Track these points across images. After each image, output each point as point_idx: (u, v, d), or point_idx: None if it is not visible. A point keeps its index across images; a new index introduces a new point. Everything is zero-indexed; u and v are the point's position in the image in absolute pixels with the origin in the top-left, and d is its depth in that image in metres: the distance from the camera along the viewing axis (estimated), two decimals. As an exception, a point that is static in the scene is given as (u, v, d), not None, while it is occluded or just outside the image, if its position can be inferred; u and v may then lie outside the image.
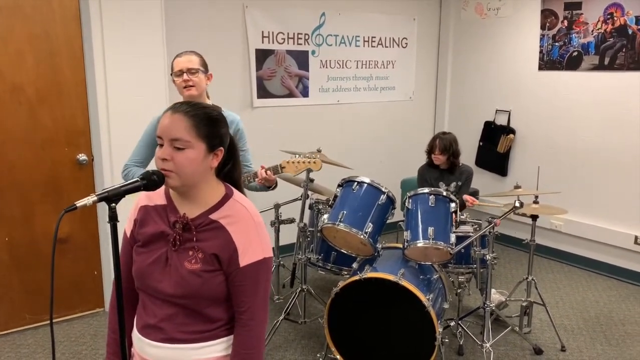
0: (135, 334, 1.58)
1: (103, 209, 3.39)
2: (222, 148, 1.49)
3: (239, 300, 1.48)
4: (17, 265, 3.54)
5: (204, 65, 2.62)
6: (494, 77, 5.32)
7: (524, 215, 4.25)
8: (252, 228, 1.48)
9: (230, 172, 1.58)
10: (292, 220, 3.87)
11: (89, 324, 3.68)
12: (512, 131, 5.17)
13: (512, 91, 5.18)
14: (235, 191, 1.55)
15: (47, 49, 3.46)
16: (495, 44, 5.28)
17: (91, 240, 3.76)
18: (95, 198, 1.37)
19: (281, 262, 4.06)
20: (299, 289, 3.67)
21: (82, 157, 3.65)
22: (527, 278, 3.58)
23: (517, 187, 3.43)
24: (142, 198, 1.59)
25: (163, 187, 1.49)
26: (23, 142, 3.44)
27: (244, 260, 1.45)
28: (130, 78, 3.69)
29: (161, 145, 1.43)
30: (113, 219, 1.38)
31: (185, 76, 2.54)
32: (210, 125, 1.46)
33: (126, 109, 3.70)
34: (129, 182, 1.43)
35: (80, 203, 1.35)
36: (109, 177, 3.69)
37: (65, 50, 3.52)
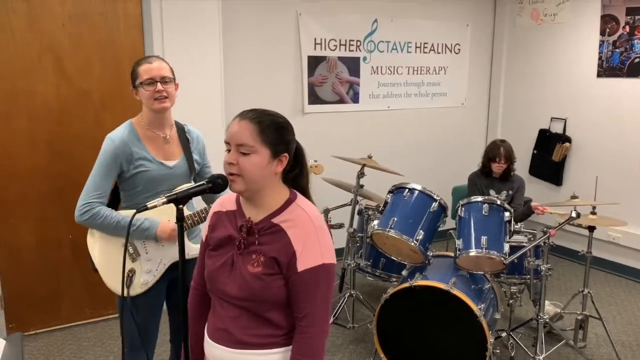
0: (206, 337, 1.64)
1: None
2: (286, 154, 1.52)
3: (298, 307, 1.49)
4: (80, 263, 3.70)
5: (173, 73, 2.30)
6: (550, 84, 5.20)
7: (579, 226, 4.14)
8: (312, 232, 1.48)
9: (297, 178, 1.60)
10: (341, 225, 3.90)
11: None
12: (568, 140, 5.03)
13: (568, 99, 5.04)
14: (299, 196, 1.57)
15: (112, 55, 3.63)
16: (552, 51, 5.16)
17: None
18: (165, 199, 1.44)
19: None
20: (348, 294, 3.69)
21: (142, 159, 3.79)
22: (582, 291, 3.48)
23: (573, 197, 3.34)
24: (216, 204, 1.65)
25: (235, 193, 1.54)
26: (88, 145, 3.59)
27: (302, 265, 1.46)
28: (188, 84, 3.80)
29: (228, 151, 1.48)
30: (180, 219, 1.44)
31: (159, 86, 2.18)
32: (275, 131, 1.49)
33: (183, 114, 3.80)
34: (196, 184, 1.50)
35: (151, 204, 1.42)
36: (166, 179, 3.83)
37: (128, 57, 3.68)
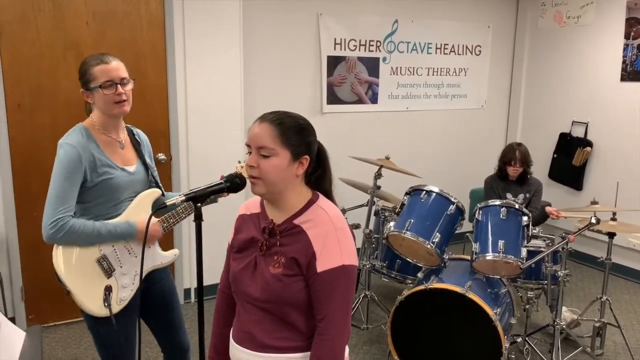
0: (231, 340, 1.66)
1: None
2: (307, 156, 1.51)
3: (318, 309, 1.49)
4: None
5: (128, 72, 2.10)
6: (572, 87, 5.13)
7: (599, 232, 4.08)
8: (332, 233, 1.47)
9: (320, 179, 1.59)
10: (357, 226, 3.90)
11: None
12: (589, 144, 4.96)
13: (590, 102, 4.97)
14: (321, 197, 1.57)
15: (134, 53, 3.67)
16: (574, 53, 5.09)
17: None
18: (183, 197, 1.46)
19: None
20: (363, 294, 3.69)
21: (162, 156, 3.84)
22: (601, 297, 3.44)
23: (594, 202, 3.30)
24: (241, 208, 1.67)
25: (259, 197, 1.55)
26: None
27: (321, 265, 1.46)
28: (208, 83, 3.86)
29: (249, 153, 1.49)
30: (198, 217, 1.46)
31: (119, 88, 2.00)
32: (296, 133, 1.48)
33: (203, 112, 3.87)
34: (214, 183, 1.51)
35: (169, 202, 1.44)
36: (185, 176, 3.89)
37: (149, 55, 3.73)
